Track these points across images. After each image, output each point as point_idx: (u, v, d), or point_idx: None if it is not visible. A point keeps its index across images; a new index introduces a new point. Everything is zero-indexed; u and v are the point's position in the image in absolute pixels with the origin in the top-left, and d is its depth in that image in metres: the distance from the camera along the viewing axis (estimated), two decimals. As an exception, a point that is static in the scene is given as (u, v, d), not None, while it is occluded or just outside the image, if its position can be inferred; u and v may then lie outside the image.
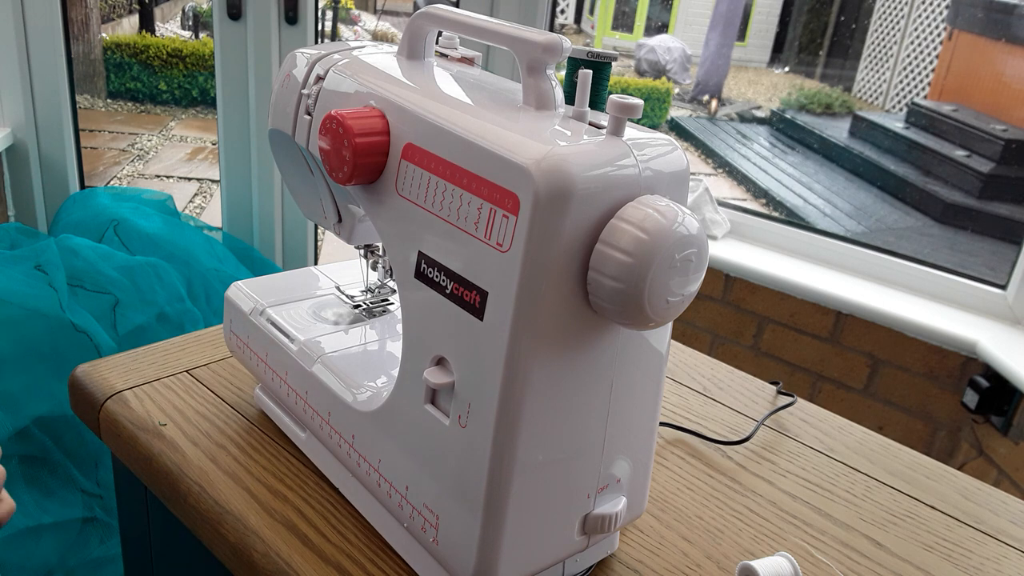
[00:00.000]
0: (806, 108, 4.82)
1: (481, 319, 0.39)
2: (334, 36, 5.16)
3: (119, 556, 1.13)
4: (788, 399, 0.72)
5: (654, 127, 1.66)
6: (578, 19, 7.40)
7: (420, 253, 0.42)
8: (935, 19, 4.30)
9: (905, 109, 4.30)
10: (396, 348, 0.55)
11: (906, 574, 0.53)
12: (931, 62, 4.26)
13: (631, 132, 0.40)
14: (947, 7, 4.17)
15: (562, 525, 0.44)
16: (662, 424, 0.65)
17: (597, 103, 0.45)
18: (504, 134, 0.38)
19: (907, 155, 3.61)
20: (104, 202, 1.64)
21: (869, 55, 4.83)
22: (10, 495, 0.47)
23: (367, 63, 0.49)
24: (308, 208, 0.59)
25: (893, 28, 4.60)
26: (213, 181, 3.80)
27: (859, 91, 4.92)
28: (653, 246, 0.36)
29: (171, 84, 4.72)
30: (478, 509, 0.40)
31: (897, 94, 4.57)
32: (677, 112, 5.48)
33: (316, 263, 1.94)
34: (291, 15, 1.63)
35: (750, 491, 0.59)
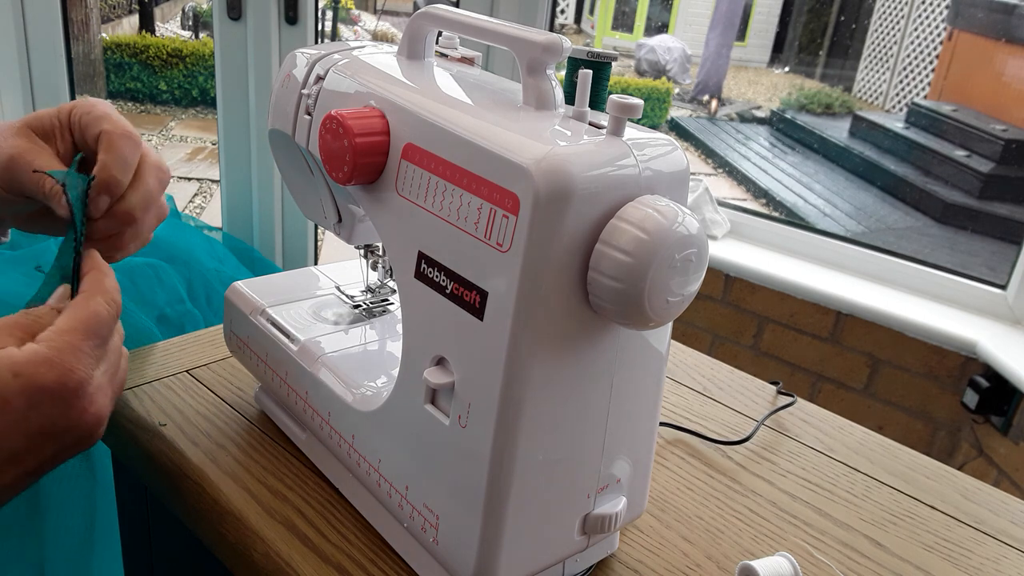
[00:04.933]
0: (806, 108, 4.83)
1: (481, 319, 0.39)
2: (334, 36, 5.16)
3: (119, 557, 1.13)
4: (788, 399, 0.72)
5: (654, 127, 1.66)
6: (578, 19, 7.40)
7: (420, 253, 0.42)
8: (935, 19, 4.30)
9: (905, 109, 4.31)
10: (396, 348, 0.55)
11: (906, 574, 0.53)
12: (931, 62, 4.27)
13: (631, 132, 0.40)
14: (947, 7, 4.17)
15: (562, 525, 0.44)
16: (662, 424, 0.65)
17: (597, 103, 0.45)
18: (504, 134, 0.38)
19: (907, 155, 3.61)
20: (104, 202, 1.63)
21: (869, 55, 4.84)
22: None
23: (367, 63, 0.49)
24: (308, 208, 0.59)
25: (893, 28, 4.60)
26: (213, 181, 3.80)
27: (859, 91, 4.92)
28: (653, 246, 0.36)
29: (171, 84, 4.72)
30: (478, 509, 0.40)
31: (897, 94, 4.57)
32: (677, 112, 5.48)
33: (316, 263, 1.94)
34: (291, 15, 1.63)
35: (750, 491, 0.59)
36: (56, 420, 0.40)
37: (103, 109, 0.51)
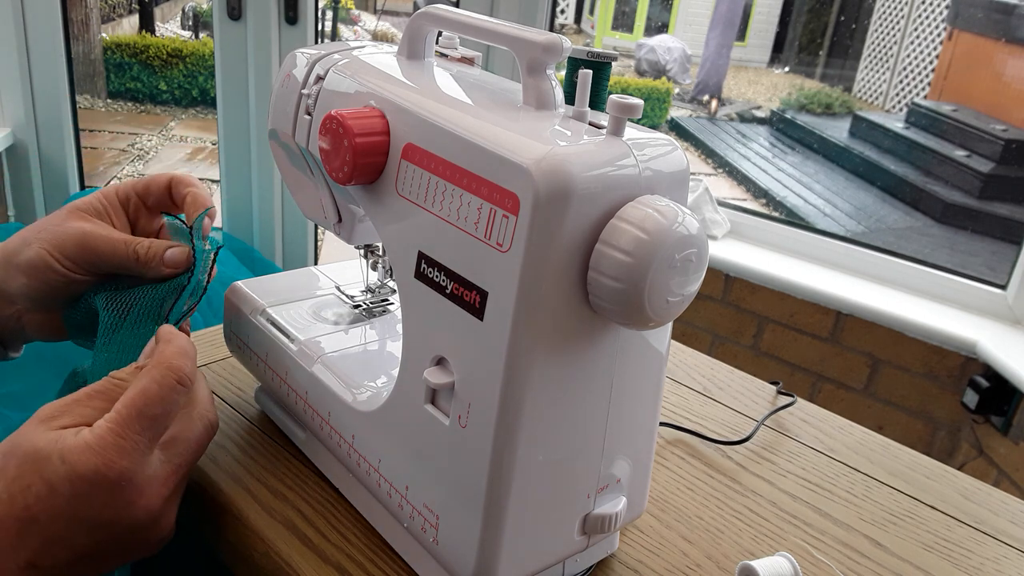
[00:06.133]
0: (806, 108, 4.83)
1: (481, 319, 0.39)
2: (334, 36, 5.16)
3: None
4: (788, 399, 0.72)
5: (654, 127, 1.66)
6: (578, 19, 7.40)
7: (420, 253, 0.42)
8: (935, 19, 4.30)
9: (905, 109, 4.31)
10: (396, 348, 0.55)
11: (906, 574, 0.53)
12: (931, 62, 4.27)
13: (631, 132, 0.40)
14: (947, 7, 4.17)
15: (562, 525, 0.44)
16: (662, 424, 0.65)
17: (597, 103, 0.45)
18: (504, 134, 0.38)
19: (907, 155, 3.61)
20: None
21: (869, 55, 4.84)
22: None
23: (367, 63, 0.49)
24: (308, 208, 0.59)
25: (893, 28, 4.60)
26: (213, 181, 3.80)
27: (859, 91, 4.92)
28: (653, 246, 0.36)
29: (171, 84, 4.72)
30: (478, 509, 0.40)
31: (897, 94, 4.57)
32: (677, 112, 5.48)
33: (316, 263, 1.94)
34: (291, 15, 1.64)
35: (750, 491, 0.59)
36: (101, 510, 0.39)
37: (153, 175, 0.56)
